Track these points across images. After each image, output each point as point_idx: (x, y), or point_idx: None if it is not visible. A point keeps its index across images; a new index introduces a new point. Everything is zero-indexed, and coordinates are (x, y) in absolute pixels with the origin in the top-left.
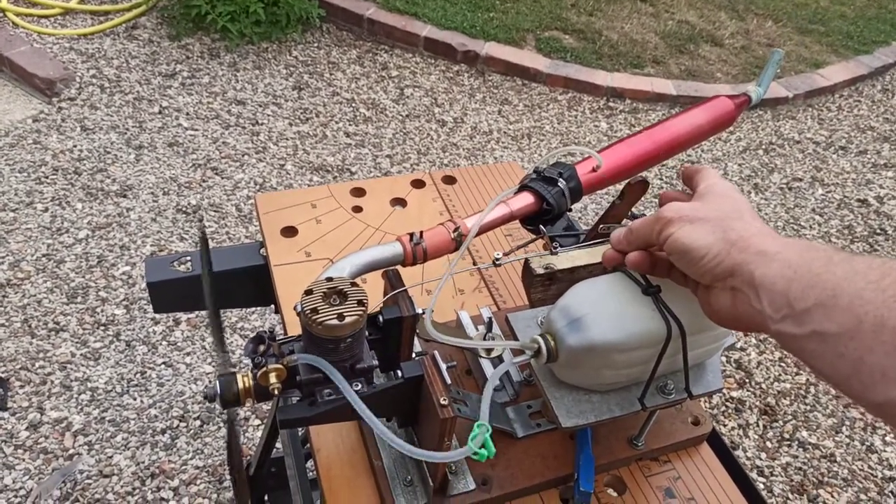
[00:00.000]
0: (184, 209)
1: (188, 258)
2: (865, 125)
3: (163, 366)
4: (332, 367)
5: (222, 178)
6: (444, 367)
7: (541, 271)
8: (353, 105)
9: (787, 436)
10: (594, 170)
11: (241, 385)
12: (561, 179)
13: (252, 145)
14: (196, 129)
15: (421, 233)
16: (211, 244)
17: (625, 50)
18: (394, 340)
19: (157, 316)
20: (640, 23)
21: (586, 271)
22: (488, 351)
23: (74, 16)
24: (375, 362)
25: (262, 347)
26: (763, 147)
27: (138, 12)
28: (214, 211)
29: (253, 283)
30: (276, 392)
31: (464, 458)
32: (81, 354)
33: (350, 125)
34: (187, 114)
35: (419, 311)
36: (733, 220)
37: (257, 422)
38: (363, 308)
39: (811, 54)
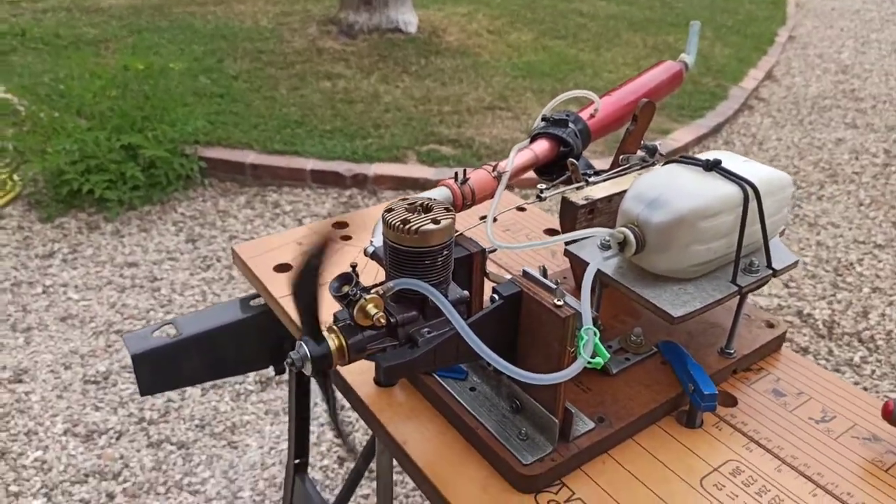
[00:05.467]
0: (92, 379)
1: (170, 324)
2: None
3: None
4: (433, 288)
5: None
6: (539, 276)
7: (582, 202)
8: None
9: None
10: (592, 115)
11: (332, 344)
12: (570, 121)
13: (155, 301)
14: (89, 299)
15: (465, 171)
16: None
17: (499, 149)
18: (464, 283)
19: (86, 495)
20: (505, 126)
21: (621, 199)
22: None
23: None
24: (466, 292)
25: (346, 287)
26: None
27: (1, 203)
28: (128, 373)
29: (247, 340)
30: (380, 322)
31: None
32: None
33: None
34: (76, 286)
35: (485, 247)
36: None
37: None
38: (453, 213)
39: (657, 125)
